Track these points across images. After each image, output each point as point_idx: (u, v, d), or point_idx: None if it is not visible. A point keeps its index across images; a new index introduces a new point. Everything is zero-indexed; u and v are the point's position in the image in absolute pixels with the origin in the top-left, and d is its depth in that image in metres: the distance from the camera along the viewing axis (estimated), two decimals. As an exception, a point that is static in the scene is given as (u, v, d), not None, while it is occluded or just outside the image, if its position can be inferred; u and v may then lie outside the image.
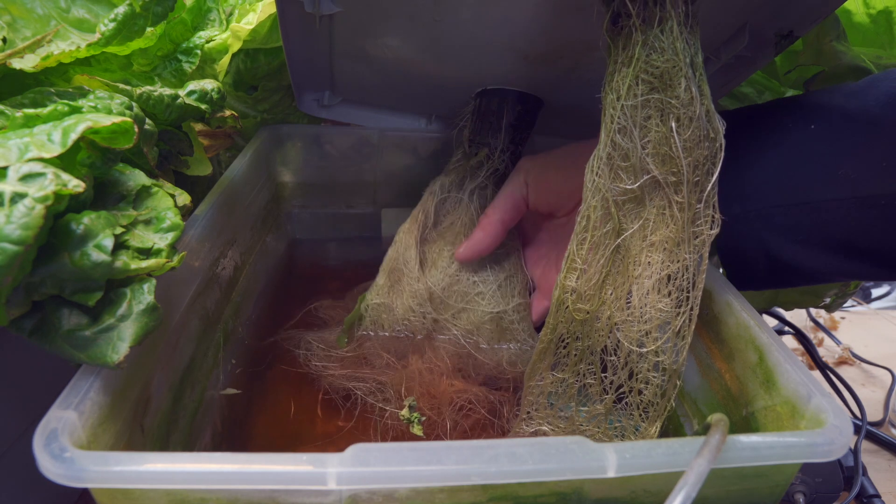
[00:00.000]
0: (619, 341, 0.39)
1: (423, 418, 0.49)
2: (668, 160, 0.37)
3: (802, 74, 0.60)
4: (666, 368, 0.38)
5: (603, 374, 0.41)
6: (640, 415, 0.40)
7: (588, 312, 0.40)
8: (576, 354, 0.41)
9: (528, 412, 0.45)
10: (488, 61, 0.56)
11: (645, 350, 0.39)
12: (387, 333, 0.59)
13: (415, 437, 0.48)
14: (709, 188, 0.38)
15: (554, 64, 0.54)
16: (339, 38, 0.54)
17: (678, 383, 0.39)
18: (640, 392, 0.39)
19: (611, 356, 0.40)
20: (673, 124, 0.36)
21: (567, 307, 0.41)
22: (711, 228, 0.38)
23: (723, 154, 0.38)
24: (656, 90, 0.37)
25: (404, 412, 0.50)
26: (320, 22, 0.50)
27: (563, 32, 0.49)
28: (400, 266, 0.61)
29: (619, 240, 0.39)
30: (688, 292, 0.38)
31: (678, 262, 0.38)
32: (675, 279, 0.38)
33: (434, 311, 0.59)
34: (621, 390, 0.40)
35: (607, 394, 0.41)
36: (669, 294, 0.38)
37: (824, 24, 0.53)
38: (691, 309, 0.38)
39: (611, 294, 0.40)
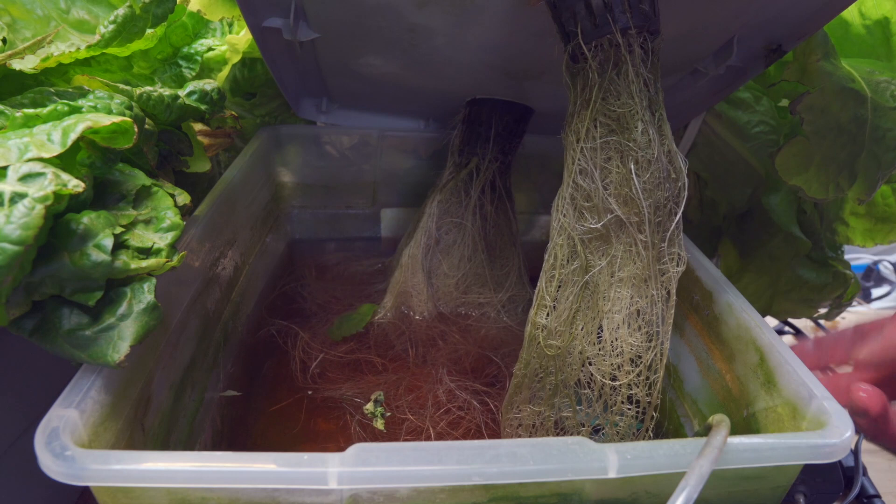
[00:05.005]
0: (592, 375, 0.40)
1: (388, 413, 0.50)
2: (630, 201, 0.37)
3: (794, 87, 0.59)
4: (640, 401, 0.39)
5: (578, 407, 0.41)
6: None
7: (559, 348, 0.40)
8: (550, 388, 0.42)
9: None
10: (472, 77, 0.56)
11: (617, 383, 0.39)
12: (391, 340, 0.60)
13: (411, 438, 0.48)
14: (672, 228, 0.38)
15: (539, 78, 0.54)
16: (323, 58, 0.54)
17: (655, 416, 0.40)
18: (615, 424, 0.40)
19: (585, 389, 0.40)
20: (632, 166, 0.36)
21: (538, 343, 0.41)
22: (678, 266, 0.38)
23: (686, 193, 0.38)
24: (614, 133, 0.37)
25: (369, 406, 0.50)
26: (301, 47, 0.50)
27: (539, 53, 0.49)
28: (408, 289, 0.62)
29: (586, 276, 0.39)
30: (657, 327, 0.38)
31: (646, 297, 0.38)
32: (645, 314, 0.39)
33: (441, 325, 0.61)
34: (597, 423, 0.41)
35: (584, 426, 0.41)
36: (640, 328, 0.39)
37: (811, 42, 0.51)
38: (661, 343, 0.39)
39: (581, 329, 0.40)
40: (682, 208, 0.38)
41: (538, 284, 0.41)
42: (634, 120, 0.36)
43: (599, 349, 0.39)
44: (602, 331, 0.39)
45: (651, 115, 0.36)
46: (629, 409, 0.39)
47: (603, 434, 0.41)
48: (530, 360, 0.42)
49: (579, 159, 0.38)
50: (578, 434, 0.41)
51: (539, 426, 0.43)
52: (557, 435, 0.42)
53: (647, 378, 0.39)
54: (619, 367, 0.39)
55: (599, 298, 0.39)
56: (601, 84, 0.36)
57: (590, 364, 0.40)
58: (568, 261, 0.40)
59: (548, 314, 0.41)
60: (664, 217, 0.38)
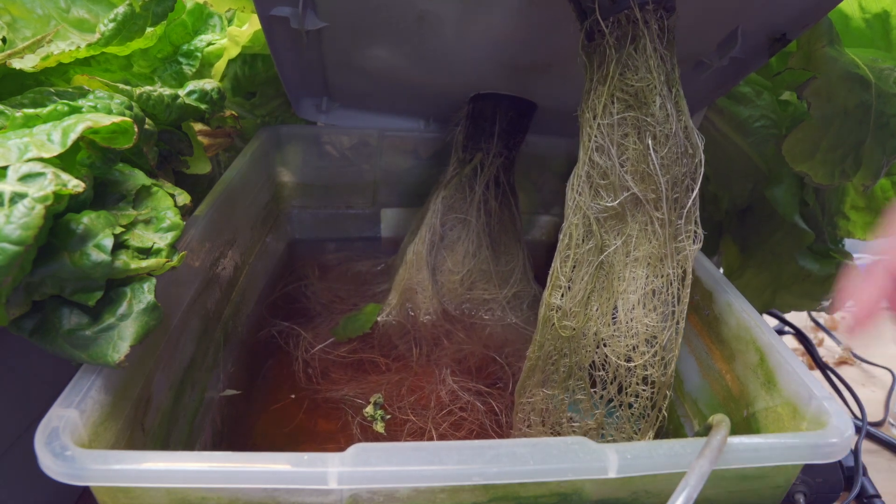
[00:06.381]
0: (606, 356, 0.39)
1: (388, 416, 0.50)
2: (647, 177, 0.37)
3: (797, 78, 0.59)
4: (655, 381, 0.39)
5: (592, 390, 0.41)
6: (632, 427, 0.40)
7: (574, 329, 0.40)
8: (564, 371, 0.41)
9: (521, 429, 0.45)
10: (477, 70, 0.56)
11: (633, 364, 0.39)
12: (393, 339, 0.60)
13: (412, 439, 0.48)
14: (689, 204, 0.38)
15: (544, 72, 0.54)
16: (328, 50, 0.54)
17: (668, 394, 0.39)
18: (630, 406, 0.40)
19: (599, 371, 0.40)
20: (649, 142, 0.36)
21: (553, 324, 0.41)
22: (694, 244, 0.38)
23: (702, 169, 0.38)
24: (632, 108, 0.37)
25: (368, 409, 0.50)
26: (308, 36, 0.50)
27: (547, 45, 0.49)
28: (413, 286, 0.62)
29: (602, 256, 0.39)
30: (673, 307, 0.38)
31: (662, 276, 0.38)
32: (660, 294, 0.38)
33: (446, 323, 0.61)
34: (612, 405, 0.40)
35: (598, 409, 0.41)
36: (655, 309, 0.38)
37: (816, 29, 0.51)
38: (677, 323, 0.38)
39: (596, 310, 0.40)
40: (699, 185, 0.38)
41: (552, 265, 0.41)
42: (653, 94, 0.36)
43: (614, 330, 0.39)
44: (617, 311, 0.39)
45: (668, 90, 0.36)
46: (644, 390, 0.39)
47: (617, 417, 0.40)
48: (544, 343, 0.42)
49: (596, 136, 0.38)
50: (593, 416, 0.41)
51: (552, 410, 0.43)
52: (569, 420, 0.42)
53: (663, 358, 0.38)
54: (634, 348, 0.39)
55: (614, 278, 0.39)
56: (619, 59, 0.36)
57: (604, 345, 0.39)
58: (583, 240, 0.39)
59: (562, 295, 0.40)
60: (681, 193, 0.37)
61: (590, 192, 0.39)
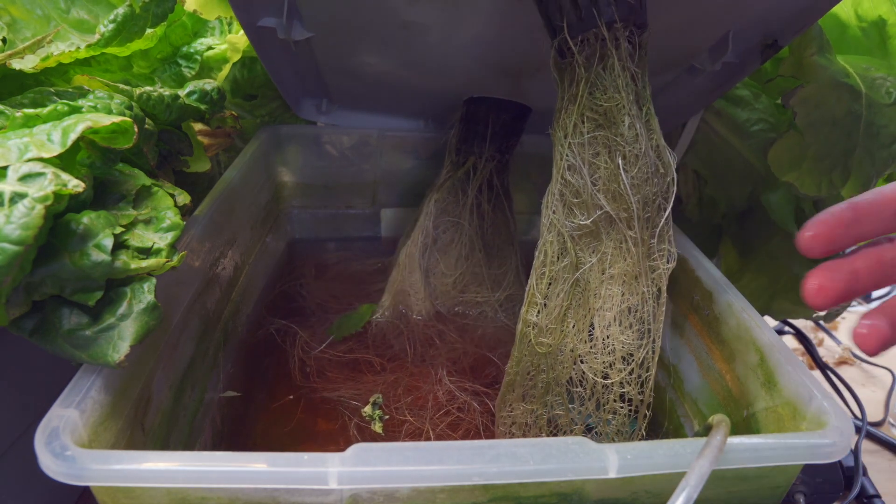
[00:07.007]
0: (583, 373, 0.40)
1: (387, 416, 0.50)
2: (619, 196, 0.37)
3: (789, 85, 0.59)
4: (633, 399, 0.39)
5: (571, 406, 0.41)
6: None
7: (550, 345, 0.40)
8: (542, 386, 0.42)
9: None
10: (468, 75, 0.56)
11: (609, 381, 0.39)
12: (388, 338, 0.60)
13: (412, 438, 0.48)
14: (661, 224, 0.38)
15: (534, 75, 0.54)
16: (321, 57, 0.54)
17: (647, 414, 0.40)
18: (608, 423, 0.40)
19: (577, 388, 0.40)
20: (619, 161, 0.36)
21: (530, 340, 0.41)
22: (668, 262, 0.38)
23: (675, 189, 0.38)
24: (602, 127, 0.37)
25: (367, 409, 0.50)
26: (297, 46, 0.50)
27: (533, 49, 0.49)
28: (406, 288, 0.62)
29: (577, 274, 0.39)
30: (649, 325, 0.38)
31: (637, 294, 0.38)
32: (636, 311, 0.39)
33: (439, 324, 0.61)
34: (590, 420, 0.40)
35: (576, 424, 0.41)
36: (631, 326, 0.39)
37: (806, 36, 0.51)
38: (654, 341, 0.39)
39: (573, 327, 0.40)
40: (672, 204, 0.38)
41: (529, 282, 0.41)
42: (621, 114, 0.36)
43: (591, 347, 0.39)
44: (593, 328, 0.39)
45: (638, 109, 0.36)
46: (622, 407, 0.39)
47: (596, 433, 0.41)
48: (522, 358, 0.42)
49: (567, 155, 0.38)
50: (571, 432, 0.41)
51: (532, 424, 0.43)
52: (551, 433, 0.42)
53: (640, 376, 0.38)
54: (610, 366, 0.39)
55: (590, 296, 0.39)
56: (588, 78, 0.36)
57: (581, 362, 0.39)
58: (558, 258, 0.40)
59: (538, 312, 0.41)
60: (653, 213, 0.37)
61: (563, 210, 0.39)
